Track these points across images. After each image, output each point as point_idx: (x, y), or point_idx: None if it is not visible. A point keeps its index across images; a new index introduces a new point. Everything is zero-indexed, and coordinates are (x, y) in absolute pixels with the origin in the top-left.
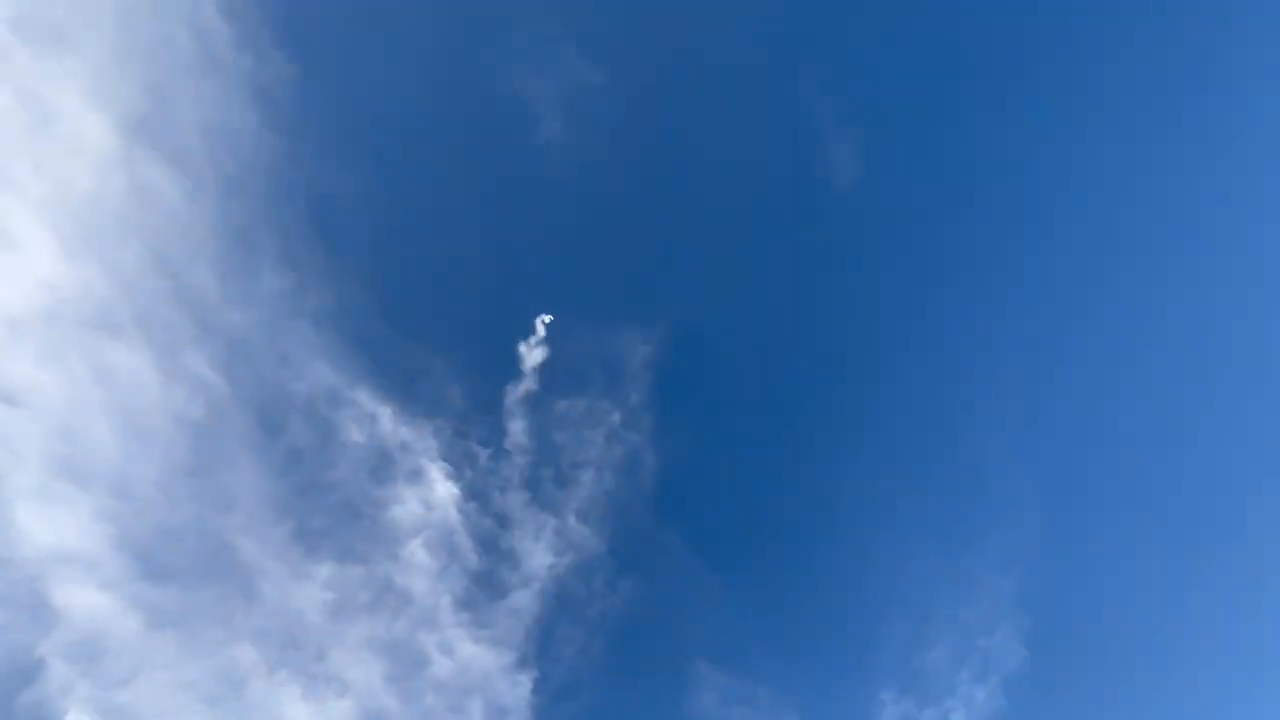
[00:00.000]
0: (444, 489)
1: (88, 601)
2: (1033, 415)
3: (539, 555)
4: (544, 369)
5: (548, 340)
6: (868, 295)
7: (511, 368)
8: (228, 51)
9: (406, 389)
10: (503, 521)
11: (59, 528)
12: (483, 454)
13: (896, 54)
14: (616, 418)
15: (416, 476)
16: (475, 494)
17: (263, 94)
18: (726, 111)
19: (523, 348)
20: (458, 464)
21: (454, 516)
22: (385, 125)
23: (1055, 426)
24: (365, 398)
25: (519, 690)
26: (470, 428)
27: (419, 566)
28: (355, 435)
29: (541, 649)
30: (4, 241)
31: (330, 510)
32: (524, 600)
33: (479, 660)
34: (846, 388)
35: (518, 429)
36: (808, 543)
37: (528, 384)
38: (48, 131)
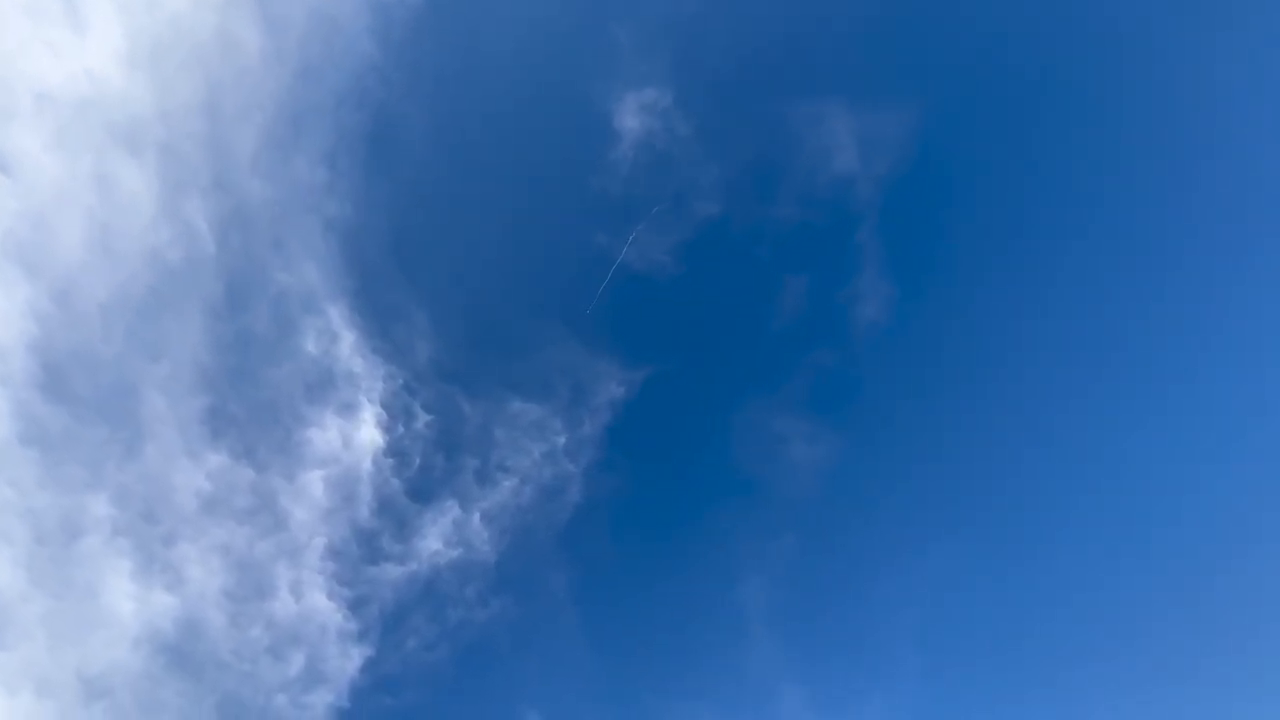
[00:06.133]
0: (369, 434)
1: None
2: (933, 597)
3: (429, 539)
4: (513, 363)
5: (538, 344)
6: (830, 445)
7: (486, 348)
8: None
9: (379, 324)
10: (410, 491)
11: None
12: (422, 418)
13: (946, 221)
14: (562, 440)
15: (349, 411)
16: (397, 453)
17: (381, 7)
18: (776, 224)
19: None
20: (394, 416)
21: (366, 465)
22: (474, 85)
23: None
24: (336, 315)
25: (347, 663)
26: (422, 387)
27: (310, 498)
28: (310, 345)
29: (388, 631)
30: (74, 22)
31: (251, 405)
32: (394, 575)
33: (323, 615)
34: (772, 521)
35: (465, 408)
36: (683, 652)
37: (492, 368)
38: None
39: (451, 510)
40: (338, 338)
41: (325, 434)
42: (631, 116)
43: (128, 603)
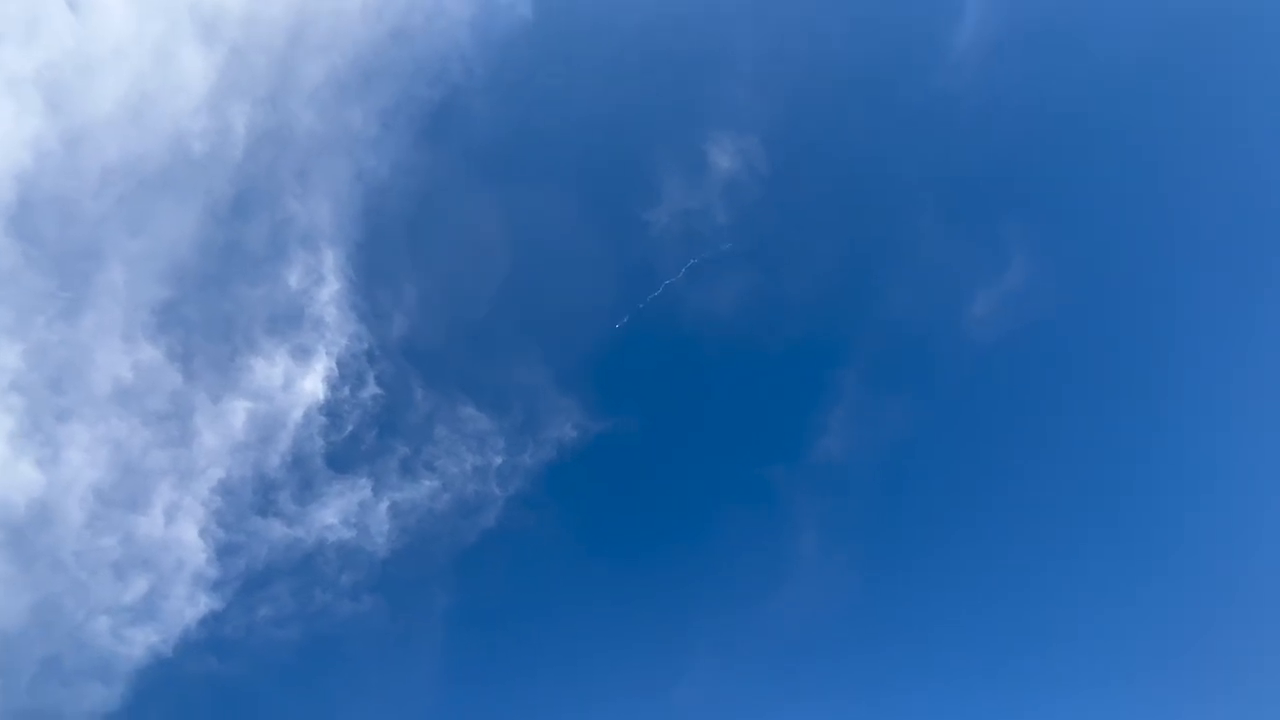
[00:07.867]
0: (313, 385)
1: None
2: None
3: (326, 511)
4: (481, 368)
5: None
6: (769, 567)
7: (460, 343)
8: None
9: (368, 285)
10: (329, 456)
11: None
12: (371, 389)
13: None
14: (498, 461)
15: (303, 355)
16: (333, 414)
17: (491, 6)
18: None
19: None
20: (345, 377)
21: (297, 415)
22: (553, 97)
23: None
24: (330, 259)
25: (189, 608)
26: (383, 358)
27: (226, 428)
28: (292, 278)
29: (245, 591)
30: None
31: (209, 313)
32: (276, 534)
33: (185, 550)
34: (687, 620)
35: (418, 394)
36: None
37: (459, 365)
38: None
39: (363, 490)
40: (322, 280)
41: (270, 369)
42: (724, 156)
43: None
